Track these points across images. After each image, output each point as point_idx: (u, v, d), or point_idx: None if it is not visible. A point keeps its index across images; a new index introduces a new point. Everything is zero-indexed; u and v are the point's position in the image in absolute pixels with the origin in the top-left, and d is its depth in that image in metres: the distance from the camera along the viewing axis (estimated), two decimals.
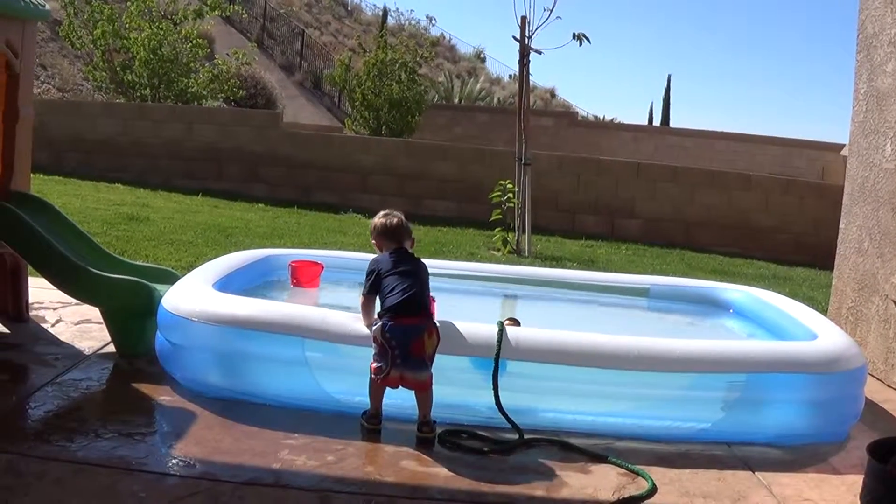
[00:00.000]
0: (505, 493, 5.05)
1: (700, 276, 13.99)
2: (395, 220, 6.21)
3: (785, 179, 22.47)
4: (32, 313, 7.98)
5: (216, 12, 29.14)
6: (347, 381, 6.07)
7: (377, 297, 5.90)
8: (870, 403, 6.95)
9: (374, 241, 6.29)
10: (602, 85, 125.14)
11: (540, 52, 17.10)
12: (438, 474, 5.25)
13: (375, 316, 5.85)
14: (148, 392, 6.30)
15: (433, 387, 5.74)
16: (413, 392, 5.74)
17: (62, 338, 7.43)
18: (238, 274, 7.74)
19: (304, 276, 8.62)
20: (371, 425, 5.81)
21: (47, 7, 7.87)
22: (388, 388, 5.76)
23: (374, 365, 5.71)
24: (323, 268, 8.55)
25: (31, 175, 8.14)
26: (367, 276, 5.98)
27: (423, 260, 6.12)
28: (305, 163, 22.06)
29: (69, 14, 26.53)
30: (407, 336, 5.63)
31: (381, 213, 6.30)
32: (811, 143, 32.32)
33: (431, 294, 6.12)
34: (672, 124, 46.58)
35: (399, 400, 5.83)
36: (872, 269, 8.65)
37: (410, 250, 6.18)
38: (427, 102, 31.32)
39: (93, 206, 16.14)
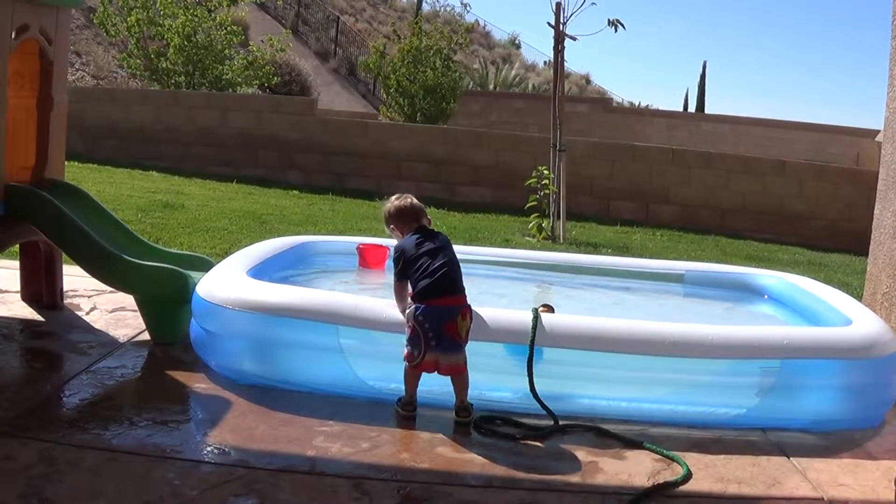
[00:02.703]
0: (540, 480, 5.04)
1: (735, 262, 13.98)
2: (409, 200, 6.19)
3: (819, 165, 22.40)
4: (67, 301, 8.02)
5: None
6: (382, 367, 6.06)
7: (408, 282, 5.87)
8: None
9: (391, 228, 6.22)
10: (637, 71, 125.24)
11: (575, 39, 17.06)
12: (473, 461, 5.24)
13: (409, 300, 5.85)
14: (182, 380, 6.31)
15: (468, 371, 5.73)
16: (448, 377, 5.74)
17: (97, 326, 7.45)
18: (273, 261, 7.75)
19: (371, 258, 8.91)
20: (406, 412, 5.79)
21: None
22: (423, 375, 5.76)
23: (407, 352, 5.70)
24: (389, 250, 8.60)
25: (66, 162, 8.17)
26: (395, 262, 5.95)
27: (456, 246, 6.09)
28: (340, 150, 22.15)
29: (103, 1, 26.64)
30: (440, 319, 5.61)
31: (392, 197, 6.27)
32: (846, 130, 32.21)
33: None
34: (707, 111, 46.46)
35: (434, 387, 5.83)
36: None
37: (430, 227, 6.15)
38: (462, 89, 31.29)
39: (127, 193, 16.21)
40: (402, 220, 6.13)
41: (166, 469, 4.77)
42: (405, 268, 5.84)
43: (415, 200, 6.22)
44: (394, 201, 6.21)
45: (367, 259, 8.92)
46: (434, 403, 5.87)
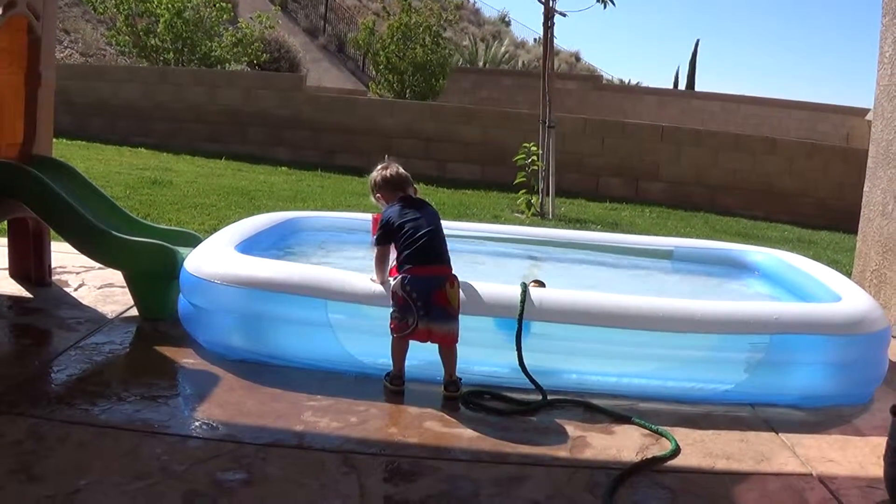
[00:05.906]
0: (528, 454, 5.05)
1: (724, 238, 14.02)
2: (394, 169, 6.24)
3: (809, 143, 22.45)
4: (55, 277, 8.01)
5: None
6: (371, 342, 6.03)
7: (391, 250, 5.92)
8: (893, 366, 6.90)
9: (377, 197, 6.27)
10: (628, 49, 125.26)
11: (564, 15, 17.06)
12: (462, 435, 5.24)
13: (390, 269, 5.93)
14: (171, 355, 6.30)
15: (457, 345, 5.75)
16: (437, 352, 5.74)
17: (85, 302, 7.45)
18: (261, 236, 7.73)
19: None
20: (394, 386, 5.80)
21: None
22: (409, 350, 5.77)
23: (395, 323, 5.71)
24: None
25: (55, 140, 8.17)
26: (380, 228, 5.98)
27: (445, 221, 6.10)
28: (329, 126, 22.11)
29: None
30: (427, 287, 5.62)
31: (378, 167, 6.32)
32: (837, 108, 32.30)
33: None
34: (698, 89, 46.37)
35: (422, 361, 5.85)
36: None
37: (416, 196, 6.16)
38: (451, 66, 31.27)
39: (116, 170, 16.20)
40: (387, 189, 6.17)
41: (154, 444, 4.77)
42: (388, 235, 5.88)
43: (400, 169, 6.25)
44: (379, 170, 6.27)
45: None
46: (423, 378, 5.87)
